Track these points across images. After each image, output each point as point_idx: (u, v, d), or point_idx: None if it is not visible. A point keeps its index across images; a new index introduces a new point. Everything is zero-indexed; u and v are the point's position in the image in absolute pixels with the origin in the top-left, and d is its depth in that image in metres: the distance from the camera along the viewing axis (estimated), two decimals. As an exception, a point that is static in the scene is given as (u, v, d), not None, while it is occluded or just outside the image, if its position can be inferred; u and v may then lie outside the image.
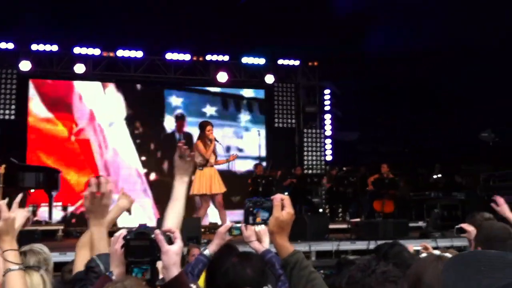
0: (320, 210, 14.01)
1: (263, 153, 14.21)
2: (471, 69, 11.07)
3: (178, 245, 1.81)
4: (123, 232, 1.84)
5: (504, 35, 10.22)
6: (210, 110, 14.77)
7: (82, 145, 13.68)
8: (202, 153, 8.66)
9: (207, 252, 3.11)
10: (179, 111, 14.61)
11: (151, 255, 1.76)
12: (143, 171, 14.00)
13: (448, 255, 3.55)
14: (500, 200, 4.41)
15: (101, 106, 13.96)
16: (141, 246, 1.76)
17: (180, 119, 14.56)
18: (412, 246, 3.71)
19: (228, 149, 13.99)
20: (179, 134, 14.53)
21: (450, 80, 11.13)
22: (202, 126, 8.90)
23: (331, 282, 2.12)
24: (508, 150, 10.79)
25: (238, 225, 3.16)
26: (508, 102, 10.08)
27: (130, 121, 14.12)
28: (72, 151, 13.56)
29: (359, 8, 11.35)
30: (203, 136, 8.81)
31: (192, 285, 2.21)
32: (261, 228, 2.87)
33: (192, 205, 9.27)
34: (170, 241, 1.81)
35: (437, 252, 3.66)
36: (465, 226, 4.14)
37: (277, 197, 2.09)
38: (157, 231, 1.79)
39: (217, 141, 8.95)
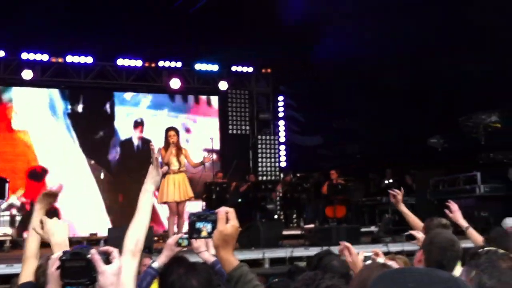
0: (275, 216, 14.04)
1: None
2: (418, 73, 11.33)
3: (116, 265, 1.75)
4: (59, 254, 1.77)
5: (446, 38, 10.52)
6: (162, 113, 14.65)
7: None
8: (162, 157, 8.54)
9: (155, 264, 3.11)
10: (136, 116, 14.41)
11: (87, 276, 1.69)
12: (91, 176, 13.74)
13: (392, 263, 3.59)
14: (454, 206, 4.52)
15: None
16: (77, 267, 1.70)
17: (139, 125, 14.39)
18: (363, 252, 3.73)
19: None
20: (138, 139, 14.35)
21: (400, 84, 11.35)
22: (165, 131, 8.82)
23: None
24: (457, 155, 11.08)
25: (186, 236, 3.14)
26: (457, 107, 10.35)
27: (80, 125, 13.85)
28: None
29: (308, 15, 11.46)
30: (165, 142, 8.69)
31: None
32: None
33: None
34: (108, 261, 1.74)
35: (381, 259, 3.70)
36: (414, 233, 4.24)
37: (222, 211, 2.06)
38: (93, 251, 1.72)
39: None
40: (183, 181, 8.65)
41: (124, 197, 13.49)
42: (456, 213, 4.51)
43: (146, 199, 2.41)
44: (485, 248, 2.26)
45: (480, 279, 2.08)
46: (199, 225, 2.16)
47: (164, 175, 8.52)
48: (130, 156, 13.97)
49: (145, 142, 14.04)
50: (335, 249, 7.66)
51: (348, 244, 2.84)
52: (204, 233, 2.15)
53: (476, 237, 4.25)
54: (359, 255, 3.68)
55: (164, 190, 8.57)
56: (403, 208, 4.71)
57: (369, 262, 3.58)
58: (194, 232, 2.18)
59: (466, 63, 9.79)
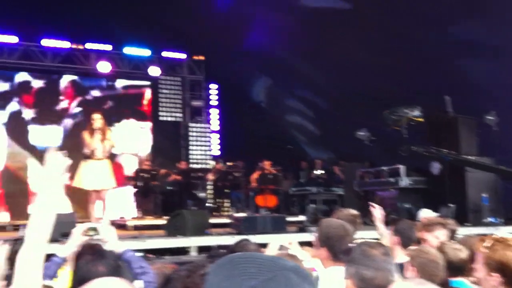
0: (207, 204, 13.99)
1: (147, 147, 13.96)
2: (348, 68, 11.55)
3: None
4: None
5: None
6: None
7: None
8: (86, 143, 8.19)
9: (61, 253, 3.04)
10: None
11: None
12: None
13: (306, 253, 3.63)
14: (376, 211, 4.69)
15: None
16: None
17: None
18: (277, 242, 3.75)
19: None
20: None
21: (327, 79, 11.55)
22: (89, 115, 8.42)
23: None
24: (383, 148, 11.36)
25: (95, 225, 3.13)
26: (384, 102, 10.61)
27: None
28: None
29: (241, 3, 11.45)
30: (89, 125, 8.29)
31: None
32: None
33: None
34: None
35: (297, 249, 3.74)
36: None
37: None
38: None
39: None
40: (106, 169, 8.29)
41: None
42: (375, 217, 4.71)
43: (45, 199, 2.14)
44: (357, 242, 2.33)
45: (359, 273, 2.12)
46: None
47: (85, 159, 8.24)
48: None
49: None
50: (260, 238, 7.74)
51: None
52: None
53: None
54: (271, 244, 3.70)
55: (81, 175, 8.15)
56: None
57: (281, 251, 3.62)
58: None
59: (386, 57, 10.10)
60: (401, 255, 3.67)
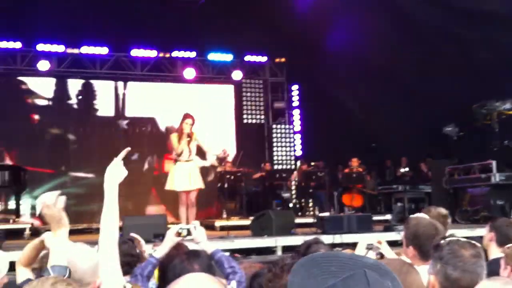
0: (290, 205, 14.10)
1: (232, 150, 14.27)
2: (436, 65, 11.24)
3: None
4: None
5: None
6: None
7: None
8: (173, 146, 8.49)
9: (156, 254, 3.17)
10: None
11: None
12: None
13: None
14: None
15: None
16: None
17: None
18: (364, 242, 3.72)
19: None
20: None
21: (414, 76, 11.26)
22: (182, 117, 8.55)
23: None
24: (472, 143, 10.97)
25: (187, 226, 3.25)
26: (471, 96, 10.25)
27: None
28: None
29: (322, 3, 11.42)
30: (179, 128, 8.52)
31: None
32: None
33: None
34: None
35: (386, 248, 3.69)
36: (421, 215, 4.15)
37: None
38: None
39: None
40: (193, 170, 8.49)
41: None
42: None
43: (113, 197, 2.25)
44: (447, 239, 2.24)
45: (445, 272, 2.06)
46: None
47: (175, 162, 8.57)
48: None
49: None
50: (347, 238, 7.72)
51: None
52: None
53: None
54: (360, 243, 3.69)
55: (173, 178, 8.47)
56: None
57: (371, 251, 3.61)
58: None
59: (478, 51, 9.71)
60: (495, 252, 3.56)
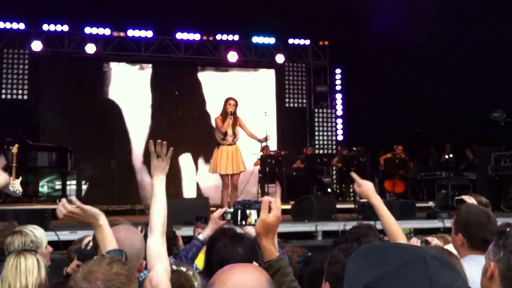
0: (329, 190, 14.05)
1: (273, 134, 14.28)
2: (483, 48, 10.94)
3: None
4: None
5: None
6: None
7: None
8: (218, 127, 8.56)
9: (201, 236, 3.25)
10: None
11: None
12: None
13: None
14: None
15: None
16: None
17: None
18: (416, 239, 3.59)
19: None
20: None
21: (460, 60, 10.98)
22: (225, 100, 8.66)
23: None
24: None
25: (230, 210, 3.25)
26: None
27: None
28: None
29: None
30: (223, 111, 8.60)
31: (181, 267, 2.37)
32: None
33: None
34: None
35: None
36: (466, 198, 3.95)
37: (265, 200, 2.10)
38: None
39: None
40: (236, 153, 8.55)
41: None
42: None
43: (161, 187, 2.52)
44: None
45: (509, 261, 2.03)
46: (247, 212, 2.27)
47: (218, 145, 8.65)
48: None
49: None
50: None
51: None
52: (250, 220, 2.25)
53: None
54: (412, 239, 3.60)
55: (217, 161, 8.53)
56: (375, 201, 3.04)
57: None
58: (242, 218, 2.29)
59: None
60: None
